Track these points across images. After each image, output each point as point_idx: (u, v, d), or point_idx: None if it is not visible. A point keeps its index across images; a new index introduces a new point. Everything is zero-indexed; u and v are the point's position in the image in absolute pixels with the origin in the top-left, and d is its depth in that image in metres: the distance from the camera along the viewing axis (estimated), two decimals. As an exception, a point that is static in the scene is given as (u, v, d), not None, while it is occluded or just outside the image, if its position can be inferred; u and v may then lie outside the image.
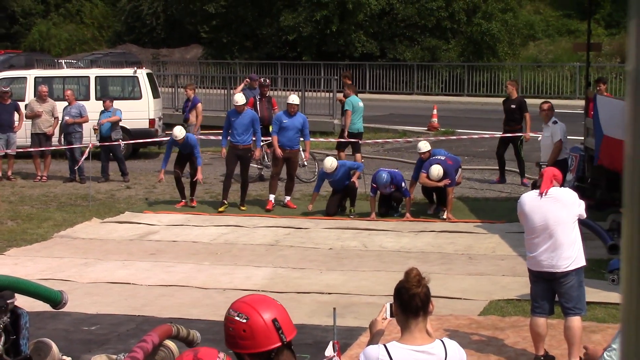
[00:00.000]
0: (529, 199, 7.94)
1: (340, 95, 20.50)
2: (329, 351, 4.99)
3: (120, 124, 19.40)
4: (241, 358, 3.25)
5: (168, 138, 22.36)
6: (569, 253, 7.75)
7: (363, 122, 18.98)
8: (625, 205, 1.19)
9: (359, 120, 18.60)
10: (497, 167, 19.39)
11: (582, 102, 16.81)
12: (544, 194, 7.81)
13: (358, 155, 18.45)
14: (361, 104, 18.73)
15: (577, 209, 7.81)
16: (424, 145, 15.02)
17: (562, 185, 8.26)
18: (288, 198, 16.10)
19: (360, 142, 18.61)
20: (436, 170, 14.38)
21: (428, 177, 14.50)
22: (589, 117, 14.45)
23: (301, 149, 16.56)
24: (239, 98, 15.77)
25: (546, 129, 14.52)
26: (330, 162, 14.91)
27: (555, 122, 14.53)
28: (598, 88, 17.45)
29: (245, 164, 15.90)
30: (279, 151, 15.61)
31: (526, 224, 7.94)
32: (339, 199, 15.36)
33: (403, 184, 14.76)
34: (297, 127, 15.77)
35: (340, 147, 18.83)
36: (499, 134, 20.51)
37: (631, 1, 1.13)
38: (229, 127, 15.66)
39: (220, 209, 15.64)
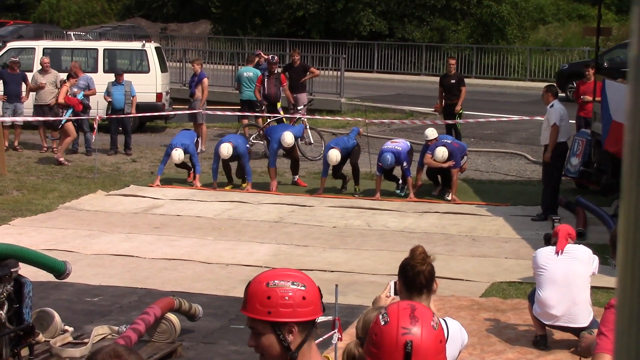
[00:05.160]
0: (545, 255, 7.88)
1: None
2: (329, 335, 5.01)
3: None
4: (283, 332, 3.14)
5: (174, 112, 22.46)
6: (589, 308, 7.77)
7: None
8: (623, 192, 1.17)
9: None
10: (504, 150, 19.36)
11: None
12: (560, 252, 7.78)
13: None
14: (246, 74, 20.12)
15: (592, 265, 7.83)
16: (431, 133, 14.98)
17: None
18: (297, 177, 16.08)
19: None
20: (441, 151, 14.37)
21: (433, 158, 14.49)
22: (596, 101, 14.41)
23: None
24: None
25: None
26: (336, 156, 14.84)
27: (551, 106, 13.88)
28: (587, 72, 16.89)
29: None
30: (274, 184, 15.51)
31: (539, 278, 7.87)
32: (342, 164, 15.31)
33: (405, 163, 14.63)
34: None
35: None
36: (506, 117, 20.48)
37: None
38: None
39: (226, 188, 15.63)
